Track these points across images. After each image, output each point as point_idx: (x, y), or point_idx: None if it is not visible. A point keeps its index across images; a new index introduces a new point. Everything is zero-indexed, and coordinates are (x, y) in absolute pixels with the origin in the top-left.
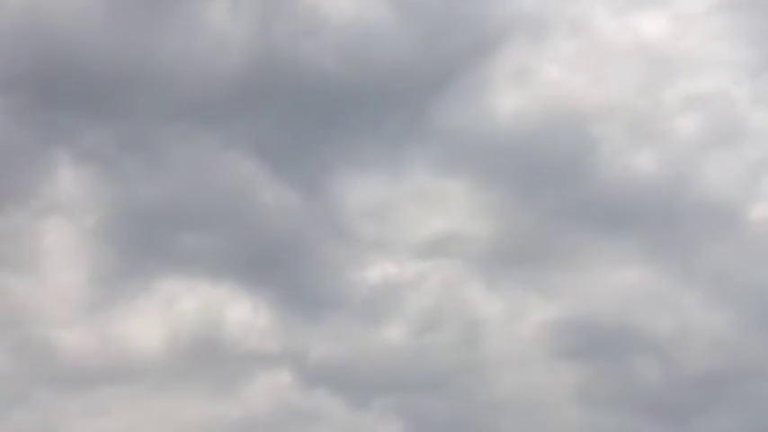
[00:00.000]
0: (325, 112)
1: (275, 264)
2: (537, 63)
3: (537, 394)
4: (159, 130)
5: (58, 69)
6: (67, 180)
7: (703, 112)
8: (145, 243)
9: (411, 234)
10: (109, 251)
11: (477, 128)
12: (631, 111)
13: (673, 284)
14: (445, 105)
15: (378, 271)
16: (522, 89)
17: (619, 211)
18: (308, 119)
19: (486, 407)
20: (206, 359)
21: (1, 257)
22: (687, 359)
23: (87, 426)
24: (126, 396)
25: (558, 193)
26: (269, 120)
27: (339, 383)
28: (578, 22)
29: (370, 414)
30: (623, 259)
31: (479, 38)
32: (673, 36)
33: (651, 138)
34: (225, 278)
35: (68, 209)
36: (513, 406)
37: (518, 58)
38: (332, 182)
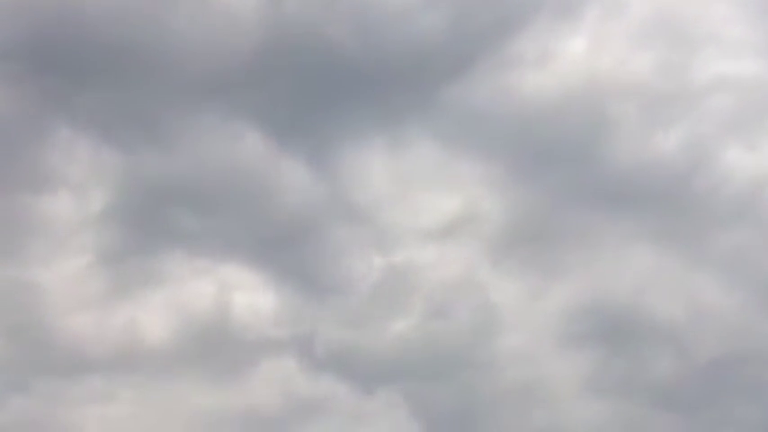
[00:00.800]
0: (339, 90)
1: (283, 246)
2: (561, 41)
3: (547, 382)
4: (167, 105)
5: (62, 40)
6: (69, 156)
7: (729, 94)
8: (151, 223)
9: (423, 216)
10: (114, 231)
11: (493, 107)
12: (654, 90)
13: (686, 268)
14: (463, 85)
15: (387, 255)
16: (544, 68)
17: (635, 192)
18: (320, 95)
19: (495, 394)
20: (212, 345)
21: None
22: (699, 344)
23: (89, 413)
24: (131, 383)
25: (572, 173)
26: (280, 96)
27: (346, 370)
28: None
29: (376, 401)
30: (637, 241)
31: (505, 16)
32: (702, 15)
33: (672, 118)
34: (231, 260)
35: (72, 187)
36: (522, 394)
37: (543, 36)
38: (343, 161)
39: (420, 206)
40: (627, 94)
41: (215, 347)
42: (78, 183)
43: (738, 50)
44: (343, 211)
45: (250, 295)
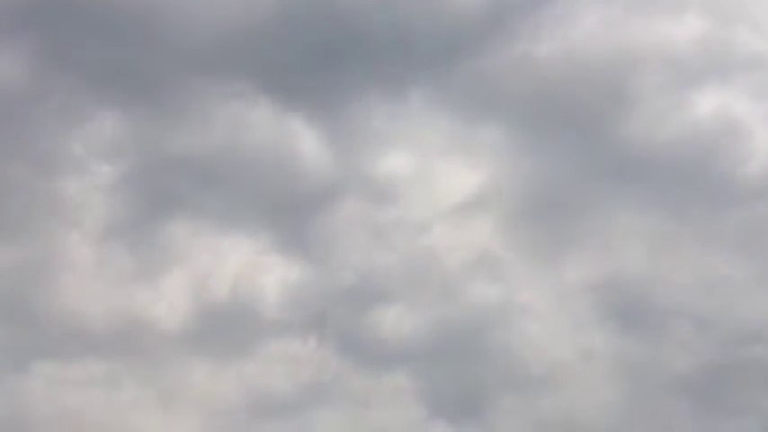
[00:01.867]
0: (353, 60)
1: (294, 221)
2: (584, 8)
3: (560, 364)
4: (178, 78)
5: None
6: (78, 131)
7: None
8: (159, 197)
9: (439, 191)
10: (124, 207)
11: (510, 75)
12: (678, 63)
13: (699, 244)
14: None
15: (403, 231)
16: (563, 36)
17: (653, 166)
18: (333, 65)
19: (507, 377)
20: (220, 325)
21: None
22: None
23: (92, 396)
24: (135, 364)
25: (590, 144)
26: (293, 64)
27: (356, 351)
28: None
29: (384, 384)
30: (655, 215)
31: None
32: None
33: (695, 91)
34: (241, 235)
35: (80, 164)
36: (535, 376)
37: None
38: (357, 133)
39: (437, 182)
40: (647, 64)
41: (223, 328)
42: (85, 157)
43: None
44: (357, 185)
45: (261, 273)
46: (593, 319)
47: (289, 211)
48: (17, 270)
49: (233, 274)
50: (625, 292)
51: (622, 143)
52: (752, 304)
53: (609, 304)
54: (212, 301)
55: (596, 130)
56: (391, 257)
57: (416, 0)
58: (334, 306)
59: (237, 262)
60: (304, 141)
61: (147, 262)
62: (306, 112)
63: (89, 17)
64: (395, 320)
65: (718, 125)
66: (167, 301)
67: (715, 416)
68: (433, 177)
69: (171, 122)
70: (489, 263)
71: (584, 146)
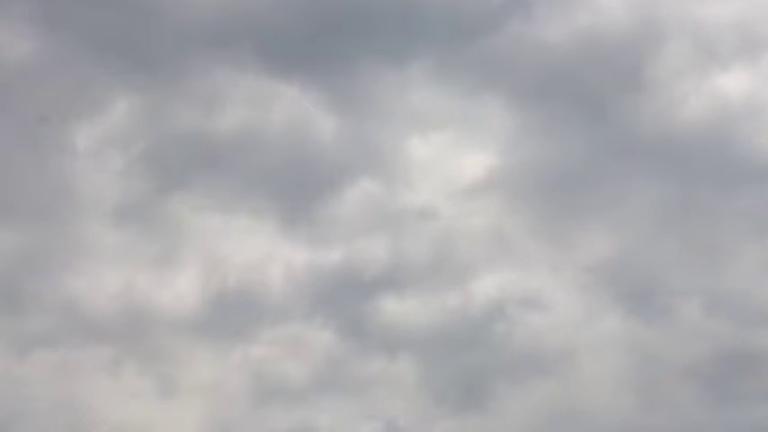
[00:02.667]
0: (366, 36)
1: (302, 201)
2: None
3: (571, 349)
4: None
5: None
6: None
7: None
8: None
9: (449, 170)
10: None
11: (521, 52)
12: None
13: (712, 224)
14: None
15: (413, 210)
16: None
17: (666, 147)
18: (345, 40)
19: (515, 362)
20: (227, 309)
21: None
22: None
23: (95, 384)
24: (139, 350)
25: (600, 126)
26: (301, 39)
27: (366, 337)
28: None
29: (397, 369)
30: (666, 197)
31: None
32: None
33: (708, 74)
34: (247, 215)
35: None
36: (548, 362)
37: None
38: (369, 110)
39: (446, 161)
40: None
41: (229, 313)
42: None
43: None
44: (368, 163)
45: (268, 255)
46: (604, 303)
47: (296, 192)
48: (20, 255)
49: (239, 259)
50: (636, 274)
51: (636, 124)
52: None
53: (620, 286)
54: (218, 287)
55: (609, 110)
56: (400, 241)
57: None
58: (342, 291)
59: (243, 247)
60: (314, 116)
61: (152, 245)
62: (311, 86)
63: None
64: (402, 306)
65: (743, 108)
66: (173, 286)
67: (728, 404)
68: (443, 158)
69: (175, 101)
70: (498, 246)
71: (597, 127)
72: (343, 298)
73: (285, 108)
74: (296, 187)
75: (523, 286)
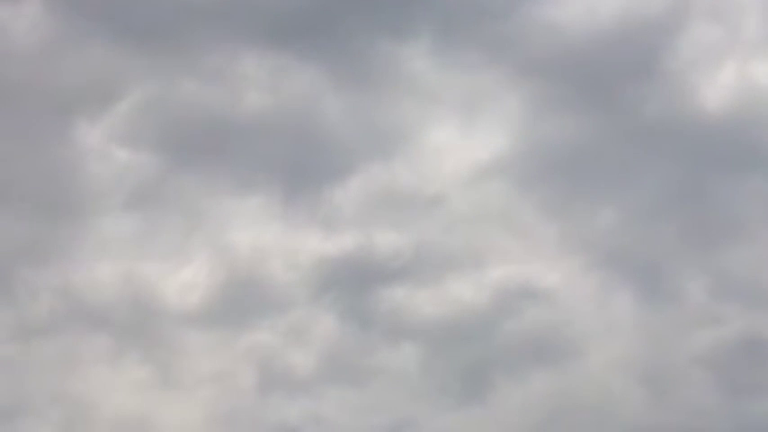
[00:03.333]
0: (381, 15)
1: (312, 186)
2: None
3: (576, 336)
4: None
5: None
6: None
7: None
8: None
9: (457, 153)
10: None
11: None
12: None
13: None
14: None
15: (422, 195)
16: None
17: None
18: (359, 24)
19: (520, 351)
20: (236, 299)
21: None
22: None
23: (97, 375)
24: (141, 340)
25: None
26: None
27: (371, 326)
28: None
29: (403, 357)
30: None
31: None
32: None
33: (719, 61)
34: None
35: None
36: (562, 347)
37: None
38: (381, 93)
39: (457, 146)
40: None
41: (234, 300)
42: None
43: None
44: (378, 146)
45: (278, 241)
46: (615, 288)
47: (302, 176)
48: (20, 243)
49: (244, 246)
50: (647, 259)
51: (647, 106)
52: None
53: (630, 272)
54: (225, 275)
55: (620, 91)
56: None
57: None
58: (347, 278)
59: (246, 233)
60: (327, 99)
61: (156, 231)
62: (324, 68)
63: None
64: (408, 294)
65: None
66: (176, 274)
67: (742, 395)
68: (452, 141)
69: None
70: (507, 233)
71: (607, 112)
72: (351, 286)
73: (294, 89)
74: (301, 173)
75: (532, 274)
